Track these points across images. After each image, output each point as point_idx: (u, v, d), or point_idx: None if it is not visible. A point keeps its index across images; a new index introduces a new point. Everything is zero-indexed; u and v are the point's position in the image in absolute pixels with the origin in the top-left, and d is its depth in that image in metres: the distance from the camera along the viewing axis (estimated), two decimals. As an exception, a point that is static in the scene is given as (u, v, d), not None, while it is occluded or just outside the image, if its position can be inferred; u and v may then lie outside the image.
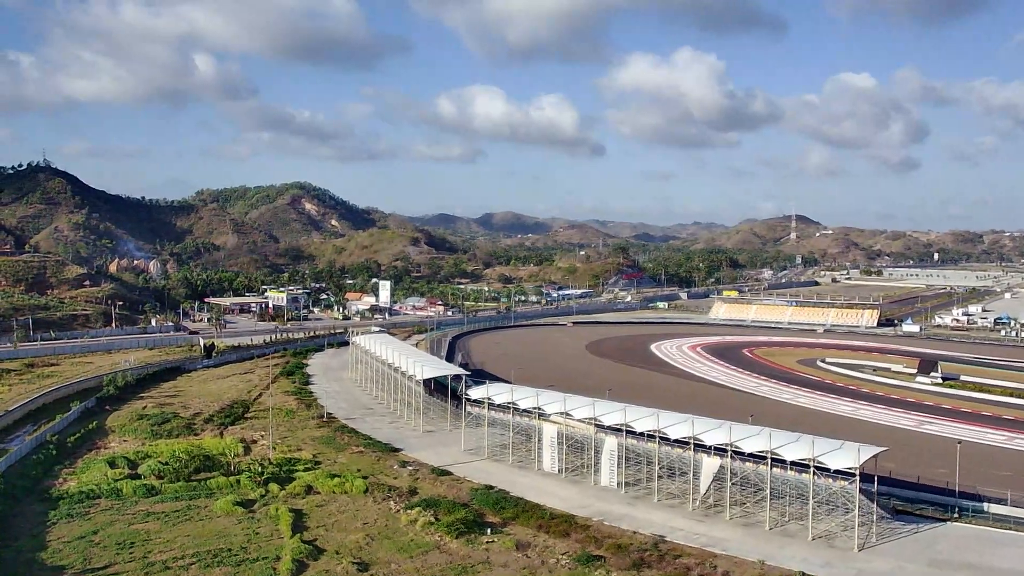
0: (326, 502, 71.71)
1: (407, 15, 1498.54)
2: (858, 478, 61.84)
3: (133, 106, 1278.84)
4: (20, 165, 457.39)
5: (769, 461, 66.01)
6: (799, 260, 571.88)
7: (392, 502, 71.36)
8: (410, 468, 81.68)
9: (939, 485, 73.32)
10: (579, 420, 79.85)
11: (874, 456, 63.64)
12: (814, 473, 63.90)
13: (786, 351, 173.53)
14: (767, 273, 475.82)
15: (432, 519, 66.01)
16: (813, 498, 63.85)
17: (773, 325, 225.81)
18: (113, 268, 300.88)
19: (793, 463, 65.57)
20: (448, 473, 79.64)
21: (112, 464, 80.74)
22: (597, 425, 77.87)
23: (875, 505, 65.34)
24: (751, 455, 67.74)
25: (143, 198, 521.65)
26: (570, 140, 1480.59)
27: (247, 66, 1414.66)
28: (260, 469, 78.56)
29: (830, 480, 64.10)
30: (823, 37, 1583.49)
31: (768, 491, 66.38)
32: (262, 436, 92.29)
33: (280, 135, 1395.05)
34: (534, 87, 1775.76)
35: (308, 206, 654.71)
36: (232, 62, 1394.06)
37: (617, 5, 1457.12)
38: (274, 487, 74.37)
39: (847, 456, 62.57)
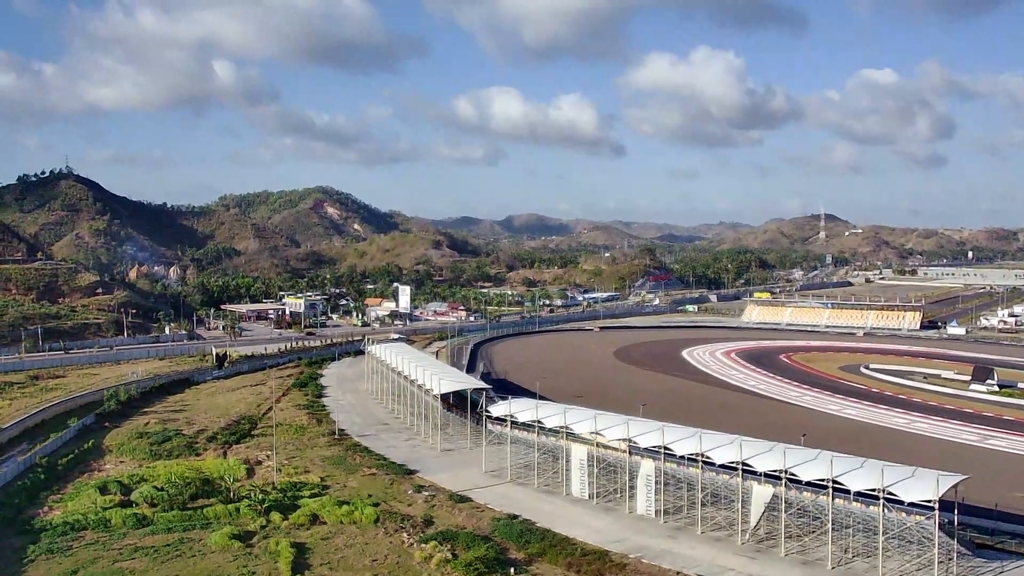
0: (332, 534, 64.68)
1: (422, 17, 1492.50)
2: (937, 512, 53.78)
3: (155, 112, 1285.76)
4: (43, 172, 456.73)
5: (830, 491, 57.97)
6: (829, 260, 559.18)
7: (405, 534, 64.19)
8: (426, 493, 74.49)
9: (1020, 513, 65.00)
10: (612, 440, 72.29)
11: (953, 486, 55.53)
12: (884, 506, 55.85)
13: (827, 356, 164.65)
14: (798, 274, 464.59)
15: (449, 555, 58.79)
16: (883, 533, 55.86)
17: (809, 328, 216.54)
18: (133, 275, 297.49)
19: (859, 493, 57.54)
20: (467, 499, 72.30)
21: (104, 490, 74.36)
22: (632, 446, 70.29)
23: (955, 541, 57.09)
24: (809, 483, 59.73)
25: (165, 204, 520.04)
26: (590, 140, 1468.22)
27: (266, 71, 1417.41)
28: (262, 496, 71.73)
29: (903, 513, 56.00)
30: (843, 33, 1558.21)
31: (830, 525, 58.39)
32: (268, 456, 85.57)
33: (302, 139, 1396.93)
34: (552, 87, 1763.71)
35: (331, 210, 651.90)
36: (251, 67, 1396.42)
37: (633, 3, 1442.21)
38: (276, 516, 67.50)
39: (923, 486, 54.46)
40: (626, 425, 71.22)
